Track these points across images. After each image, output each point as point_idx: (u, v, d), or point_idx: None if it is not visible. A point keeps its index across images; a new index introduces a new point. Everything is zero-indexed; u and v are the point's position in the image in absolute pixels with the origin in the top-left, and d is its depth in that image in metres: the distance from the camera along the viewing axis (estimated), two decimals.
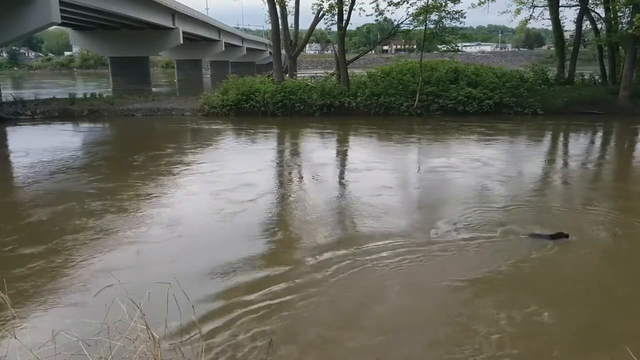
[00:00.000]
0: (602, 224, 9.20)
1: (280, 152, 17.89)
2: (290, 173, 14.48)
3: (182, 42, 46.55)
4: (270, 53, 59.44)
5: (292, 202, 11.16)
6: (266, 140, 20.27)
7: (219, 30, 61.36)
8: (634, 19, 21.90)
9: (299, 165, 15.39)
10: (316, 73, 35.59)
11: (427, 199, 11.25)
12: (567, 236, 8.12)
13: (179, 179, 13.16)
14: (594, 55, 29.67)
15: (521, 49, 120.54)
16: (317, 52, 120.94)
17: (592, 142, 19.95)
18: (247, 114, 25.20)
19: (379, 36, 44.13)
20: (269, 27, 31.34)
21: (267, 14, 27.71)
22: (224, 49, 63.71)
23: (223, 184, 12.39)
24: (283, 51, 30.10)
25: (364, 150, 17.85)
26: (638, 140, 20.57)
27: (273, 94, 25.31)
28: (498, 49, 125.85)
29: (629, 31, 23.08)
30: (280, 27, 28.17)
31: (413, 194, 11.97)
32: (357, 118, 24.25)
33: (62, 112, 26.37)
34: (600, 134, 21.47)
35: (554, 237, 8.11)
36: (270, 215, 10.19)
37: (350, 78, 26.75)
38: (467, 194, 11.28)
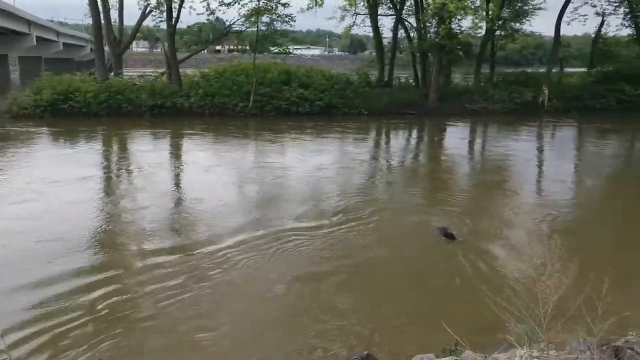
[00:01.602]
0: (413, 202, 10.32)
1: (104, 157, 16.44)
2: (111, 180, 13.45)
3: None
4: (91, 49, 54.54)
5: (111, 213, 10.35)
6: (86, 144, 18.35)
7: (29, 23, 54.27)
8: (440, 29, 24.89)
9: (123, 170, 14.37)
10: (145, 72, 33.65)
11: (266, 197, 11.43)
12: (452, 237, 8.50)
13: None
14: (409, 60, 32.89)
15: (347, 53, 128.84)
16: (145, 49, 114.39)
17: (409, 138, 22.24)
18: (66, 115, 22.68)
19: (211, 36, 43.37)
20: (89, 21, 28.64)
21: (87, 7, 25.33)
22: (35, 44, 56.55)
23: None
24: (107, 48, 27.81)
25: (199, 151, 17.38)
26: (445, 136, 23.38)
27: (96, 94, 23.24)
28: (326, 52, 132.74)
29: (436, 40, 26.13)
30: (103, 21, 25.96)
31: (251, 192, 12.03)
32: (191, 119, 23.52)
33: None
34: (415, 131, 23.99)
35: (445, 235, 8.53)
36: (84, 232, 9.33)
37: (182, 78, 25.87)
38: (303, 188, 11.76)
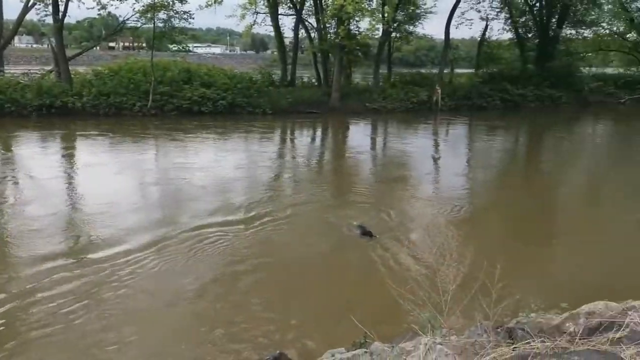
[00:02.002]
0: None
1: None
2: None
3: None
4: None
5: None
6: None
7: None
8: (339, 30, 25.47)
9: (9, 177, 13.13)
10: (30, 69, 30.81)
11: (174, 198, 11.04)
12: (371, 235, 8.58)
13: None
14: (311, 60, 33.30)
15: (249, 52, 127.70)
16: (30, 45, 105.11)
17: (314, 137, 22.56)
18: None
19: (103, 32, 40.80)
20: None
21: None
22: None
23: None
24: None
25: (96, 154, 16.30)
26: (349, 134, 23.96)
27: None
28: (228, 51, 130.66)
29: (336, 40, 26.70)
30: None
31: (157, 194, 11.55)
32: (84, 119, 22.00)
33: None
34: (319, 130, 24.37)
35: (364, 233, 8.64)
36: None
37: (73, 76, 24.13)
38: (212, 189, 11.52)
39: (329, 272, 7.66)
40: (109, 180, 12.50)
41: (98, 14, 26.69)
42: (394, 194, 12.15)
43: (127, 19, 25.72)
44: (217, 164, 14.67)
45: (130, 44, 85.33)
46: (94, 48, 48.89)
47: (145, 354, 5.33)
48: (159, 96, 24.09)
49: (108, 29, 35.20)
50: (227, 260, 7.65)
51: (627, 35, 40.79)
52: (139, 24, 26.19)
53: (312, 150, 19.19)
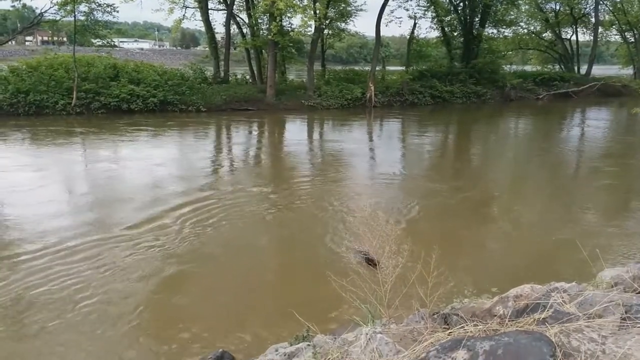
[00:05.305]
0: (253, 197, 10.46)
1: None
2: None
3: None
4: None
5: None
6: None
7: None
8: (271, 27, 25.35)
9: None
10: None
11: (104, 199, 10.55)
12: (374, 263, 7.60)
13: None
14: (244, 56, 32.92)
15: (179, 47, 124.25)
16: None
17: (251, 133, 22.34)
18: None
19: (19, 25, 38.23)
20: None
21: None
22: None
23: None
24: None
25: (17, 155, 15.28)
26: (285, 130, 23.91)
27: None
28: (156, 46, 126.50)
29: (269, 37, 26.57)
30: None
31: (85, 195, 10.98)
32: (1, 119, 20.57)
33: None
34: (256, 126, 24.18)
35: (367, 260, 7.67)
36: None
37: None
38: (145, 189, 11.15)
39: (269, 267, 7.65)
40: (31, 182, 11.78)
41: (12, 6, 24.96)
42: (331, 188, 12.28)
43: (45, 12, 24.29)
44: (150, 163, 14.24)
45: (50, 38, 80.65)
46: (9, 42, 45.74)
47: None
48: (83, 94, 22.96)
49: (24, 22, 33.06)
50: (162, 262, 7.45)
51: (543, 35, 43.68)
52: (58, 17, 24.80)
53: (250, 147, 19.02)
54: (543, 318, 2.90)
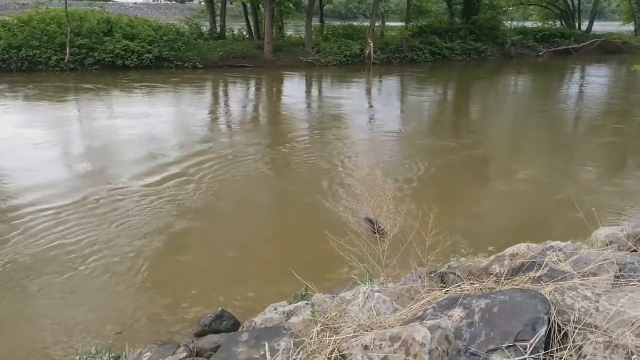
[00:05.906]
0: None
1: None
2: None
3: None
4: None
5: None
6: None
7: None
8: None
9: None
10: None
11: (105, 155, 10.54)
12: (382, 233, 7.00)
13: None
14: (240, 11, 32.13)
15: (173, 2, 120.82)
16: None
17: (248, 90, 22.06)
18: None
19: None
20: None
21: None
22: None
23: None
24: None
25: (14, 113, 15.12)
26: (283, 87, 23.60)
27: None
28: (151, 0, 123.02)
29: None
30: None
31: (87, 152, 10.97)
32: None
33: None
34: (253, 83, 23.85)
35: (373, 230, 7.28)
36: None
37: None
38: (146, 145, 11.21)
39: (268, 225, 7.71)
40: (29, 137, 11.72)
41: None
42: (329, 145, 12.22)
43: None
44: (150, 120, 14.19)
45: None
46: None
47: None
48: (77, 49, 22.53)
49: None
50: (164, 218, 7.50)
51: None
52: None
53: (248, 104, 18.83)
54: (538, 276, 2.95)
